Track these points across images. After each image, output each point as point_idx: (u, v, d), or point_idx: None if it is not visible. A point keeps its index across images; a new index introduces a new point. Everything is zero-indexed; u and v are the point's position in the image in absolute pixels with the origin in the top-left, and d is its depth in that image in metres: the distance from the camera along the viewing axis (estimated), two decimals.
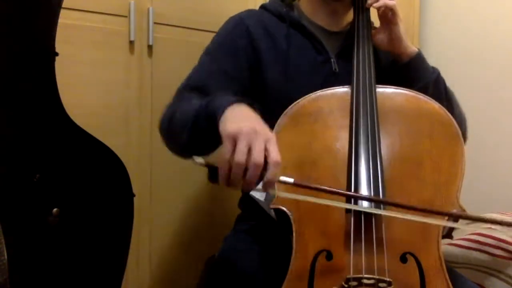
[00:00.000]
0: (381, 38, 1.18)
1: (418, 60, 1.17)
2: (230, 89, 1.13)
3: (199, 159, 0.88)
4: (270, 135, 0.87)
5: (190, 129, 1.00)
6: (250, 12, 1.27)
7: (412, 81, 1.15)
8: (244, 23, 1.21)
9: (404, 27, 1.17)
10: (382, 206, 0.95)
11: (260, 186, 0.86)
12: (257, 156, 0.83)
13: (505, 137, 2.02)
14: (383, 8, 1.15)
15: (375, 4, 1.15)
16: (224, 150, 0.85)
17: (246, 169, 0.83)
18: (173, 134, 1.08)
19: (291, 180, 0.87)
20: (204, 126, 0.95)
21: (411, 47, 1.18)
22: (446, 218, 0.96)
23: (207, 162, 0.88)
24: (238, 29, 1.20)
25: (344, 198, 0.95)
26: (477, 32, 2.09)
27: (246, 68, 1.18)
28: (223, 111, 0.91)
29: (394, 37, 1.16)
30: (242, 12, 1.26)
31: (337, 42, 1.23)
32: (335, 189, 0.90)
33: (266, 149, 0.84)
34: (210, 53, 1.20)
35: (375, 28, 1.23)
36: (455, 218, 0.96)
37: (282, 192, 0.92)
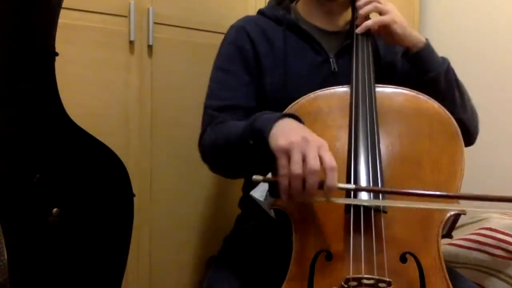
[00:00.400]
0: (384, 35, 1.18)
1: (425, 51, 1.16)
2: (255, 99, 1.17)
3: (258, 177, 0.89)
4: (322, 141, 0.88)
5: (238, 152, 1.01)
6: (247, 18, 1.28)
7: (423, 72, 1.15)
8: (245, 29, 1.22)
9: (402, 23, 1.15)
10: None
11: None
12: (313, 164, 0.84)
13: (505, 137, 2.02)
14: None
15: (357, 31, 1.16)
16: (280, 164, 0.87)
17: (304, 180, 0.85)
18: (220, 160, 1.10)
19: (352, 186, 0.90)
20: (252, 147, 0.95)
21: (418, 38, 1.16)
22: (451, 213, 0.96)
23: (266, 179, 0.90)
24: (241, 35, 1.21)
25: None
26: (477, 32, 2.09)
27: (255, 71, 1.19)
28: (270, 129, 0.92)
29: (395, 37, 1.15)
30: (240, 20, 1.27)
31: (335, 42, 1.23)
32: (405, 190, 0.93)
33: (320, 156, 0.86)
34: (224, 68, 1.20)
35: None
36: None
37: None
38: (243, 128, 0.99)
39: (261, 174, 0.91)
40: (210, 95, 1.19)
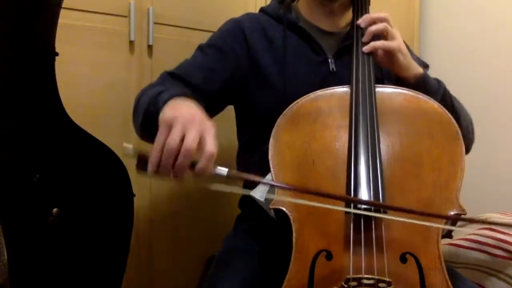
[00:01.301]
0: (382, 60, 1.15)
1: (422, 82, 1.14)
2: (213, 86, 1.17)
3: (128, 146, 0.84)
4: (209, 125, 0.85)
5: (144, 114, 1.02)
6: (248, 15, 1.28)
7: None
8: (241, 27, 1.22)
9: (406, 53, 1.13)
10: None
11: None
12: (189, 143, 0.81)
13: (505, 137, 2.02)
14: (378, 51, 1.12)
15: (364, 50, 1.12)
16: (158, 135, 0.83)
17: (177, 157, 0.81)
18: (135, 112, 1.10)
19: (224, 171, 0.84)
20: (153, 114, 0.94)
21: (416, 69, 1.14)
22: (445, 220, 0.96)
23: (136, 149, 0.84)
24: (233, 33, 1.22)
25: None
26: (477, 32, 2.10)
27: (232, 70, 1.19)
28: (166, 101, 0.92)
29: (395, 66, 1.14)
30: (241, 16, 1.28)
31: (335, 42, 1.24)
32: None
33: (203, 139, 0.82)
34: (203, 50, 1.22)
35: None
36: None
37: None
38: (155, 94, 1.00)
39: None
40: (178, 65, 1.20)
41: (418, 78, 1.14)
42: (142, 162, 0.84)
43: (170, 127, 0.83)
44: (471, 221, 0.91)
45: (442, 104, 1.12)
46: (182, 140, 0.82)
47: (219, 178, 0.85)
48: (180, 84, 1.14)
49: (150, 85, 1.15)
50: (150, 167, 0.83)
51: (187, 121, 0.83)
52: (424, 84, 1.14)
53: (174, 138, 0.81)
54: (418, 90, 1.11)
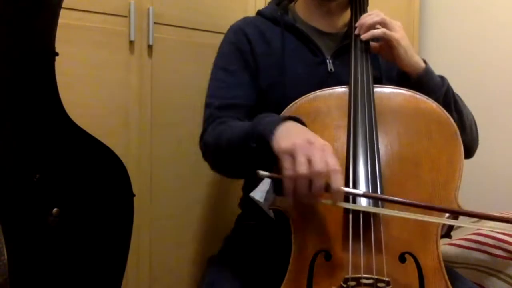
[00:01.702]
0: (384, 54, 1.16)
1: (425, 77, 1.13)
2: (254, 98, 1.18)
3: (264, 173, 0.89)
4: (325, 144, 0.89)
5: (240, 154, 1.01)
6: (246, 19, 1.29)
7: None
8: (243, 30, 1.23)
9: (407, 45, 1.12)
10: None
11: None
12: (318, 165, 0.85)
13: (505, 137, 2.02)
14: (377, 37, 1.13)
15: (363, 36, 1.13)
16: (284, 166, 0.87)
17: (310, 182, 0.86)
18: (222, 161, 1.11)
19: (360, 192, 0.90)
20: (254, 149, 0.95)
21: (418, 63, 1.13)
22: (446, 215, 0.96)
23: (272, 175, 0.90)
24: (239, 36, 1.23)
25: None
26: (477, 32, 2.10)
27: (254, 71, 1.20)
28: (272, 132, 0.92)
29: (396, 58, 1.13)
30: (239, 21, 1.28)
31: (333, 42, 1.24)
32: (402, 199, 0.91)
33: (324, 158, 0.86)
34: (223, 67, 1.22)
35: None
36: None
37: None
38: (245, 131, 0.99)
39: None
40: (211, 93, 1.20)
41: (420, 73, 1.13)
42: (278, 187, 0.90)
43: (292, 156, 0.87)
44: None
45: (444, 100, 1.12)
46: (309, 163, 0.86)
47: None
48: (230, 110, 1.15)
49: (214, 128, 1.13)
50: (289, 196, 0.89)
51: (306, 146, 0.87)
52: (427, 79, 1.13)
53: (303, 165, 0.86)
54: (421, 85, 1.12)
